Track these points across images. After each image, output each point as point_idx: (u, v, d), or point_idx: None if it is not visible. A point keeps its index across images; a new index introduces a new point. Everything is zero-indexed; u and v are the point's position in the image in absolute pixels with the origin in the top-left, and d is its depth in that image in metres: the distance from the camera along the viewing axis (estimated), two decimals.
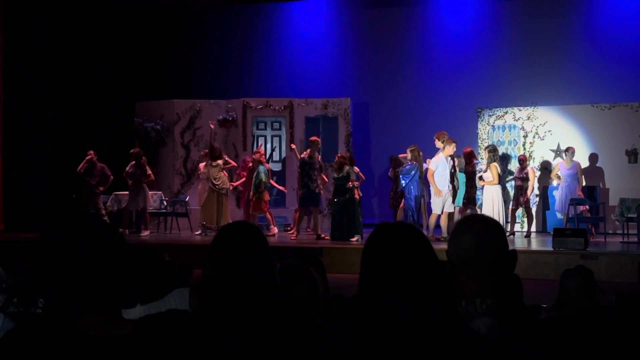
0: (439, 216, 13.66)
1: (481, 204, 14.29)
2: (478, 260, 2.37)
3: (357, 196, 14.16)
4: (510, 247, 2.46)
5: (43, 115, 17.21)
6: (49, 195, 17.26)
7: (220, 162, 15.24)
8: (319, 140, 14.97)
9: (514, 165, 15.78)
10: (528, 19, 17.78)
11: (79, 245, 1.97)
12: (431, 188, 13.81)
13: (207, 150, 15.62)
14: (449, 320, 2.01)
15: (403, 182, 14.08)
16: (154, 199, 16.39)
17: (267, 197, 15.03)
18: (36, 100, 17.08)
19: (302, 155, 14.75)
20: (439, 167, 13.53)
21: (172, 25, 19.31)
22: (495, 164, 13.52)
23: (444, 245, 2.55)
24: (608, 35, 17.14)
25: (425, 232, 14.58)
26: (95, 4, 17.72)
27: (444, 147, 13.65)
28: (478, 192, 14.42)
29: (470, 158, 14.39)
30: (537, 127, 16.32)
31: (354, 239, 13.79)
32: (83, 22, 17.66)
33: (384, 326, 2.01)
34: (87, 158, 15.39)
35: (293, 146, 16.10)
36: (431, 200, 13.77)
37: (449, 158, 13.67)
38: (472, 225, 2.45)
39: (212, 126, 15.79)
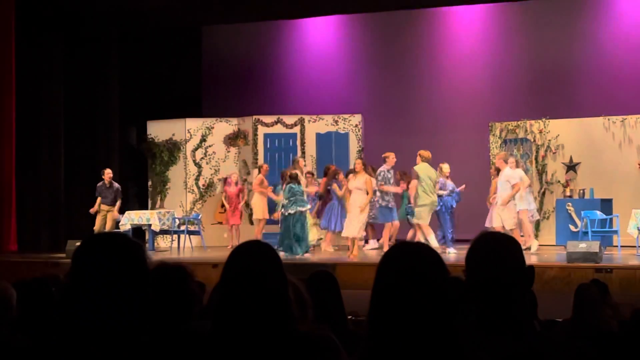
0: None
1: None
2: (496, 277, 2.35)
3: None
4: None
5: (55, 135, 17.29)
6: (62, 216, 17.30)
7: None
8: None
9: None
10: (538, 31, 17.78)
11: (108, 266, 1.98)
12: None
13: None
14: (458, 345, 1.99)
15: (447, 200, 14.09)
16: (167, 217, 16.48)
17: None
18: (48, 120, 17.16)
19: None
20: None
21: (183, 44, 19.39)
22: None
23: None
24: (619, 47, 17.11)
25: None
26: (105, 23, 17.81)
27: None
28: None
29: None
30: (549, 140, 16.28)
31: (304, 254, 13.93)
32: (93, 42, 17.75)
33: (393, 347, 1.99)
34: (108, 178, 15.64)
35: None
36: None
37: None
38: (488, 243, 2.43)
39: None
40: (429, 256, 2.09)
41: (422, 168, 13.99)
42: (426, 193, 13.85)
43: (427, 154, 14.16)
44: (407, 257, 2.08)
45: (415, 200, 14.03)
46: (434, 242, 13.51)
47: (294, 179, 14.23)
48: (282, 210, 14.19)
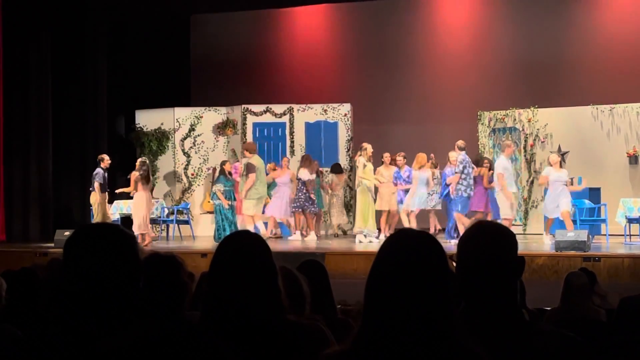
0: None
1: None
2: (485, 266, 2.35)
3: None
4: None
5: (44, 125, 17.18)
6: (51, 205, 17.23)
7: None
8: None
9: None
10: (527, 20, 17.78)
11: (98, 254, 1.98)
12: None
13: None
14: (452, 336, 1.99)
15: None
16: (155, 206, 16.44)
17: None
18: (36, 110, 17.06)
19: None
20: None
21: (172, 33, 19.31)
22: None
23: None
24: (608, 36, 17.14)
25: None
26: (93, 12, 17.71)
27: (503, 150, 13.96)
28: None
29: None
30: (538, 129, 16.32)
31: None
32: (82, 31, 17.65)
33: (386, 335, 1.99)
34: (106, 165, 15.08)
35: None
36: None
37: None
38: (481, 232, 2.42)
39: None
40: (430, 245, 2.08)
41: (257, 160, 14.34)
42: (262, 184, 14.30)
43: (254, 146, 14.58)
44: (408, 244, 2.07)
45: (247, 192, 14.17)
46: (262, 230, 14.33)
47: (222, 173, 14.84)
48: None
